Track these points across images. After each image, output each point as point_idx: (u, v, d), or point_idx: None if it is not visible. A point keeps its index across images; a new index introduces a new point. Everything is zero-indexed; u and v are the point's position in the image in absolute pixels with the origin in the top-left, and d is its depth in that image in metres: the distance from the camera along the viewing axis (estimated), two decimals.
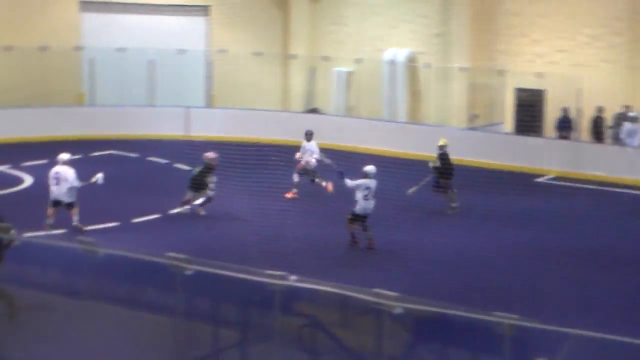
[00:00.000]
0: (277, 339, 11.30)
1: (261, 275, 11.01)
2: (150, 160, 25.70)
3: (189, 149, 22.65)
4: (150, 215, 19.98)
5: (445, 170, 21.33)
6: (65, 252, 12.26)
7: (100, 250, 11.41)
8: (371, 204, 18.27)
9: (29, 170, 23.61)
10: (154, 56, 30.03)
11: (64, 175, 18.79)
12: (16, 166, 23.57)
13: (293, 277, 11.06)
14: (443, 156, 21.58)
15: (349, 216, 18.25)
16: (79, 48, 30.10)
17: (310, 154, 22.36)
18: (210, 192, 20.02)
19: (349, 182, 18.47)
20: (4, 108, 27.94)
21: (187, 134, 28.80)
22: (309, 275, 12.26)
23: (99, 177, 19.10)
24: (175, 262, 11.17)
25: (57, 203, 18.73)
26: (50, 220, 18.45)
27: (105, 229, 18.70)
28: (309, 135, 22.70)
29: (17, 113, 27.99)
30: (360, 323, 12.97)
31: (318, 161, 22.28)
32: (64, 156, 19.11)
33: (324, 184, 22.02)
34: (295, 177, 21.94)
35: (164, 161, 25.38)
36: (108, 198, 21.13)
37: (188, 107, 29.66)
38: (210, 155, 20.33)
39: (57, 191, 18.73)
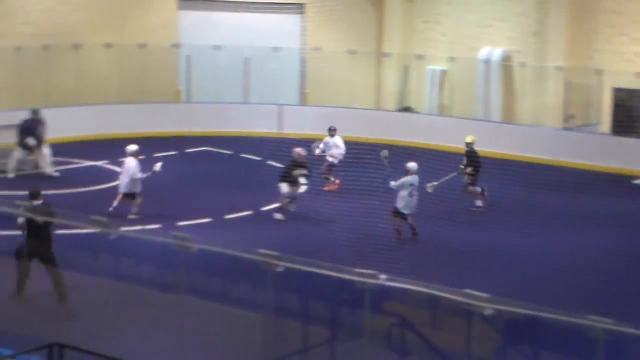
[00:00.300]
0: (366, 337, 11.31)
1: (351, 274, 11.03)
2: (244, 157, 25.96)
3: (281, 146, 22.79)
4: (243, 212, 20.18)
5: (473, 167, 21.06)
6: (159, 247, 12.46)
7: (193, 246, 11.57)
8: (415, 200, 18.52)
9: None
10: (249, 54, 30.35)
11: (127, 166, 19.27)
12: (113, 162, 24.06)
13: (383, 276, 11.05)
14: (470, 153, 21.32)
15: (393, 211, 18.49)
16: (176, 45, 30.57)
17: (335, 148, 22.77)
18: (301, 188, 20.10)
19: (394, 184, 18.58)
20: (103, 104, 28.56)
21: (280, 132, 29.02)
22: (398, 274, 12.25)
23: (158, 165, 19.65)
24: (266, 259, 11.26)
25: (124, 193, 19.38)
26: (115, 203, 19.24)
27: (198, 224, 18.97)
28: (332, 131, 23.04)
29: (115, 109, 28.58)
30: (449, 323, 12.91)
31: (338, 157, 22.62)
32: (131, 147, 19.67)
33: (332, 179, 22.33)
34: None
35: (257, 158, 25.61)
36: (202, 194, 21.42)
37: (281, 104, 29.88)
38: (299, 151, 20.43)
39: (121, 181, 19.39)
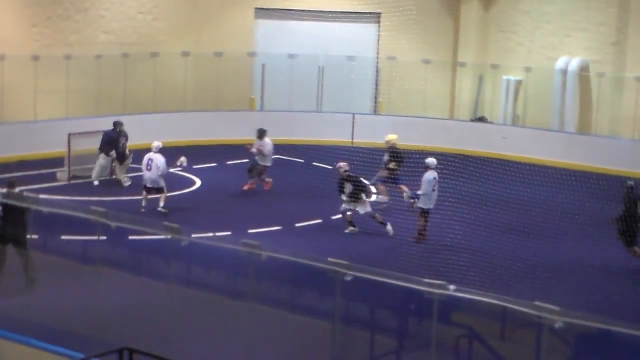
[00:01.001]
0: (434, 348, 11.24)
1: (420, 284, 10.99)
2: (315, 166, 26.04)
3: (353, 155, 22.82)
4: (313, 220, 20.24)
5: (397, 162, 21.19)
6: (229, 254, 12.57)
7: (263, 253, 11.65)
8: (436, 194, 18.96)
9: (199, 172, 24.34)
10: (323, 62, 30.46)
11: (156, 162, 20.11)
12: (188, 168, 24.34)
13: (452, 287, 11.00)
14: (391, 150, 21.45)
15: (421, 212, 18.82)
16: (252, 54, 30.83)
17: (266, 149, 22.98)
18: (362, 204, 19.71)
19: (423, 189, 18.84)
20: (178, 112, 28.93)
21: (353, 140, 29.04)
22: (468, 285, 12.16)
23: (183, 160, 20.93)
24: (335, 268, 11.29)
25: (149, 188, 20.28)
26: (144, 203, 20.30)
27: (268, 232, 19.09)
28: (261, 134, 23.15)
29: (190, 116, 28.95)
30: (518, 336, 12.77)
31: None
32: (157, 143, 20.61)
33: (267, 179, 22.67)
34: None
35: (328, 167, 25.65)
36: (272, 202, 21.55)
37: (354, 113, 29.90)
38: (341, 165, 20.01)
39: (148, 176, 20.34)
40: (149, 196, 20.49)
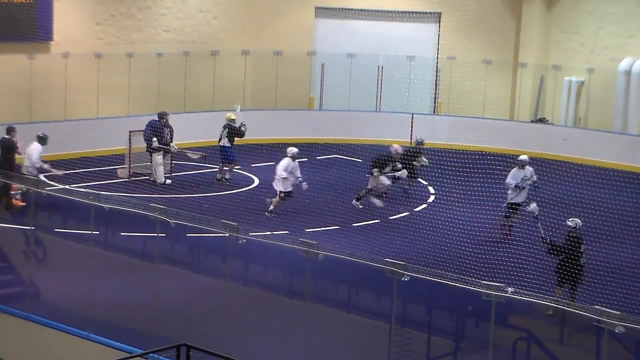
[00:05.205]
0: (491, 350, 11.16)
1: (478, 286, 10.92)
2: None
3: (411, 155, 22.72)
4: (370, 221, 20.21)
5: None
6: (287, 253, 12.61)
7: (321, 253, 11.66)
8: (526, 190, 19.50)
9: (257, 171, 24.43)
10: (383, 62, 30.38)
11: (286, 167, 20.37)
12: (246, 167, 24.47)
13: (510, 289, 10.92)
14: (229, 126, 23.30)
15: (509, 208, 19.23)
16: (311, 53, 30.87)
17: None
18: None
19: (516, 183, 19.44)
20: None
21: (411, 141, 28.92)
22: (526, 287, 12.06)
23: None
24: (392, 268, 11.27)
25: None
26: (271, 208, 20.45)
27: (326, 231, 19.09)
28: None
29: (249, 115, 28.98)
30: (578, 340, 12.64)
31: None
32: (293, 149, 20.83)
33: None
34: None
35: None
36: (330, 201, 21.55)
37: (413, 113, 29.79)
38: (397, 148, 21.84)
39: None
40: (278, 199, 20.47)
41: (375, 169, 21.31)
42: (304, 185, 20.73)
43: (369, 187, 21.36)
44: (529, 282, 13.84)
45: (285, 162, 20.50)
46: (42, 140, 20.30)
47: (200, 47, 29.19)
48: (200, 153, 23.40)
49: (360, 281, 15.04)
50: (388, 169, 21.67)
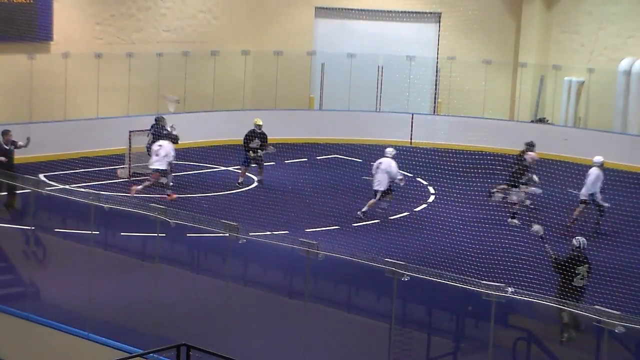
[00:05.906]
0: (491, 350, 11.16)
1: (478, 286, 10.93)
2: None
3: (411, 156, 22.73)
4: (370, 220, 20.21)
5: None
6: (287, 253, 12.62)
7: (320, 253, 11.67)
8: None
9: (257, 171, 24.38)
10: (383, 62, 30.38)
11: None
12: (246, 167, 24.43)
13: (510, 289, 10.92)
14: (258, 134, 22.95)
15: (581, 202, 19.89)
16: (311, 53, 30.87)
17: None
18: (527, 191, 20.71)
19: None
20: (237, 110, 29.06)
21: (412, 141, 28.93)
22: (526, 288, 12.05)
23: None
24: (392, 268, 11.27)
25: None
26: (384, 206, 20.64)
27: (326, 231, 19.09)
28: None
29: (249, 115, 28.98)
30: (577, 340, 12.62)
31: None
32: (391, 150, 20.99)
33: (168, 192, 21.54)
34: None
35: None
36: (330, 201, 21.56)
37: (413, 113, 29.79)
38: (532, 155, 21.08)
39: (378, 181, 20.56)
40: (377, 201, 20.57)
41: (508, 183, 20.79)
42: (402, 182, 20.85)
43: (514, 199, 20.54)
44: (529, 282, 13.83)
45: (392, 162, 20.61)
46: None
47: (200, 47, 29.19)
48: (176, 98, 23.12)
49: (360, 281, 15.03)
50: (524, 179, 20.72)
